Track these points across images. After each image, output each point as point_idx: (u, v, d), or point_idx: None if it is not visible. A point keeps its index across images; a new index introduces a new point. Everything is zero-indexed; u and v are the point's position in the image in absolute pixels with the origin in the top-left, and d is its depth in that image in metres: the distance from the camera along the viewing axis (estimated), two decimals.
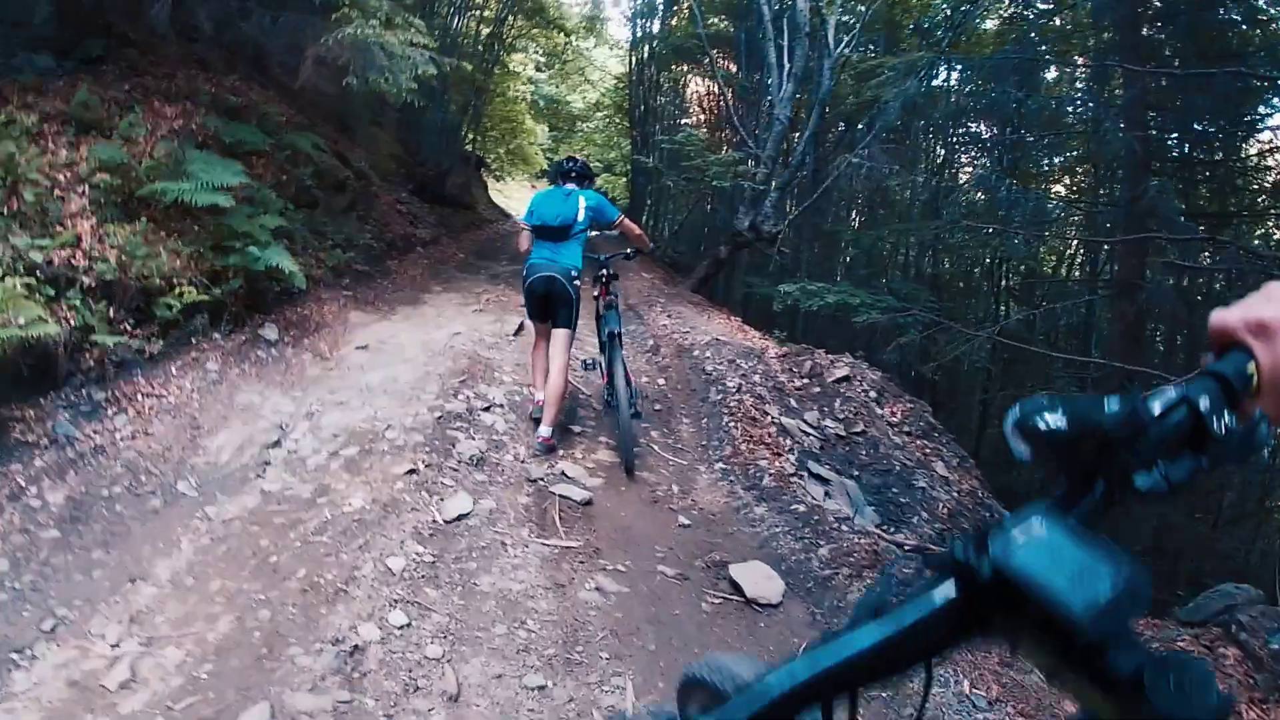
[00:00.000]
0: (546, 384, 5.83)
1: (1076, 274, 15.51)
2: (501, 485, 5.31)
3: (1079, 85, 14.96)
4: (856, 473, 7.01)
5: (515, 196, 32.31)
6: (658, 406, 7.58)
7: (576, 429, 6.58)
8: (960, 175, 18.75)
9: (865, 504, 6.65)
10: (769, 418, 7.27)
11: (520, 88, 26.98)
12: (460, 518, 4.68)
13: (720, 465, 6.48)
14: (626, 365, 6.08)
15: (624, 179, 29.46)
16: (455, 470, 5.31)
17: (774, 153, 12.77)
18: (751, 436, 6.87)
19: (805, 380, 8.39)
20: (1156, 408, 0.72)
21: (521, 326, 8.97)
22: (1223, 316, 0.77)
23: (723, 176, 12.92)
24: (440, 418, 6.05)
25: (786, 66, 13.36)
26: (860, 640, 0.69)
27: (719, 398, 7.58)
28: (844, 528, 5.65)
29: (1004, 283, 17.47)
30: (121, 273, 6.16)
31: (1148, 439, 0.71)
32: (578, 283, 5.80)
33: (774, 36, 13.37)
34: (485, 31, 21.77)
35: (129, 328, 6.21)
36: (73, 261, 5.97)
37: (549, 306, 5.86)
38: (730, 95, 15.99)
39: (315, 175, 10.09)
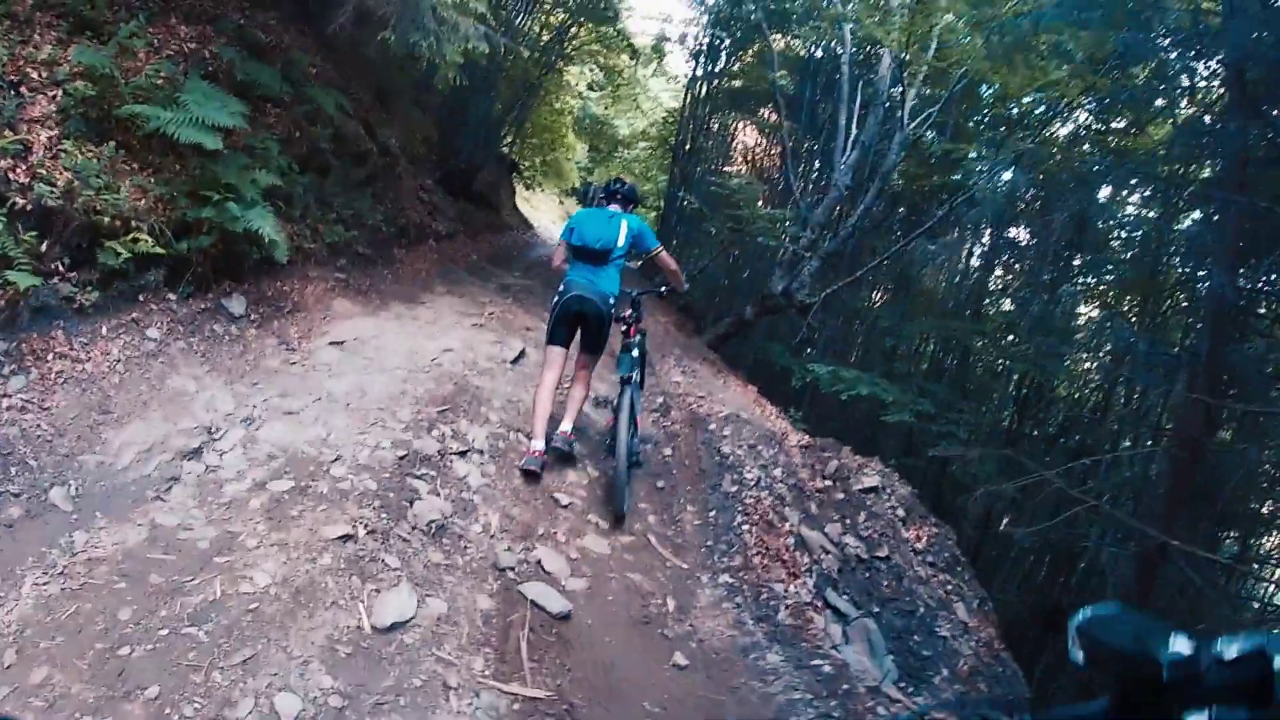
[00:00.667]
0: (569, 393, 5.66)
1: (1119, 410, 14.49)
2: (460, 574, 4.06)
3: (1136, 211, 14.00)
4: (877, 609, 5.82)
5: (542, 208, 31.25)
6: (660, 484, 6.39)
7: (564, 500, 5.37)
8: (995, 279, 17.77)
9: (885, 652, 5.48)
10: (788, 525, 6.09)
11: (569, 100, 25.96)
12: (396, 626, 3.41)
13: (726, 578, 5.29)
14: (637, 411, 5.70)
15: (654, 213, 28.45)
16: (405, 541, 4.08)
17: (824, 220, 11.72)
18: (767, 547, 5.69)
19: (828, 483, 7.21)
20: (1231, 652, 0.70)
21: (522, 355, 7.80)
22: None
23: (768, 233, 11.78)
24: (404, 457, 4.86)
25: (855, 133, 12.34)
26: None
27: (734, 489, 6.39)
28: (875, 704, 4.43)
29: (1022, 396, 16.39)
30: (67, 201, 5.03)
31: (1202, 686, 0.68)
32: (613, 310, 5.51)
33: (848, 99, 12.34)
34: (547, 37, 20.70)
35: (61, 269, 5.06)
36: (10, 175, 4.82)
37: (581, 331, 5.57)
38: (786, 151, 14.91)
39: (334, 139, 8.92)
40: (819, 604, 5.38)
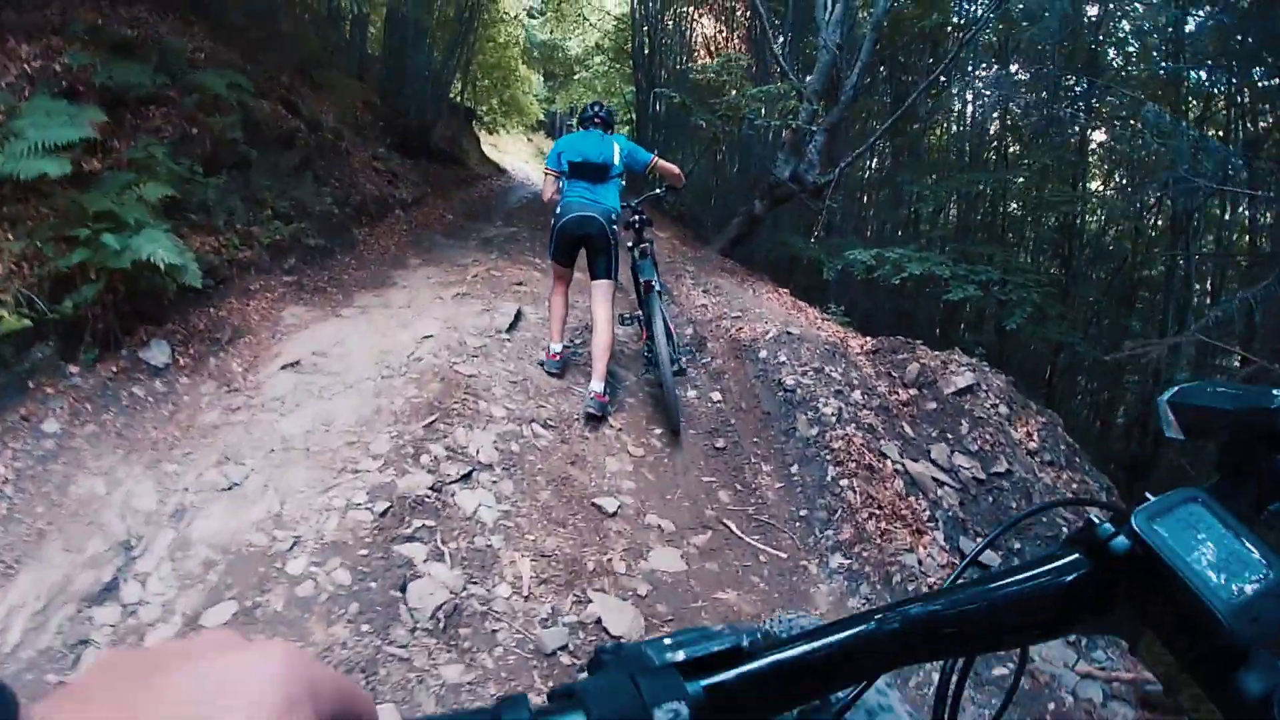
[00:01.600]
0: (593, 339, 5.18)
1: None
2: (493, 684, 2.75)
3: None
4: (1018, 544, 4.56)
5: (510, 150, 29.47)
6: (719, 443, 5.10)
7: (610, 506, 4.08)
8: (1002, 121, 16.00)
9: None
10: (889, 463, 4.80)
11: (512, 31, 23.95)
12: None
13: (840, 559, 4.01)
14: (668, 317, 5.22)
15: (626, 128, 26.65)
16: (404, 660, 2.75)
17: (819, 88, 10.12)
18: (875, 502, 4.40)
19: (914, 392, 5.90)
20: None
21: (519, 319, 6.48)
22: None
23: (767, 114, 10.10)
24: (387, 513, 3.55)
25: None
26: (963, 600, 0.54)
27: (813, 432, 5.06)
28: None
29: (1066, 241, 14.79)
30: None
31: None
32: (617, 228, 5.22)
33: None
34: None
35: None
36: None
37: (587, 251, 5.22)
38: (762, 18, 13.14)
39: (246, 127, 7.45)
40: (956, 562, 4.12)
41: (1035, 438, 5.75)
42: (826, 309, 9.41)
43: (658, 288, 5.30)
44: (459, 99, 22.21)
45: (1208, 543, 0.53)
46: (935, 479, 4.81)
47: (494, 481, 4.06)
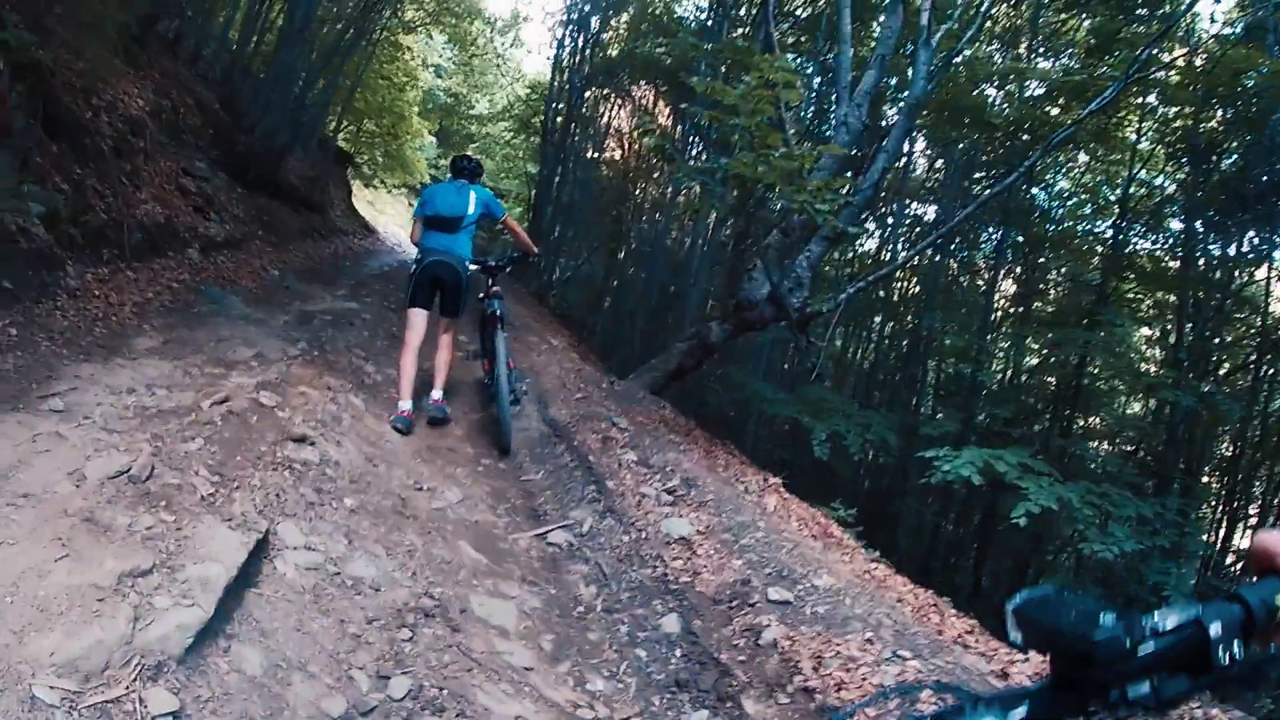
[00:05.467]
0: (436, 355, 5.57)
1: None
2: None
3: None
4: None
5: (389, 211, 25.35)
6: None
7: None
8: None
9: None
10: None
11: (413, 75, 20.13)
12: None
13: None
14: (509, 350, 5.65)
15: (520, 209, 23.01)
16: None
17: (830, 174, 6.69)
18: None
19: None
20: (1168, 623, 0.68)
21: (265, 543, 2.66)
22: (1267, 539, 0.71)
23: (792, 191, 6.16)
24: None
25: (850, 49, 7.42)
26: None
27: None
28: None
29: None
30: None
31: (1140, 659, 0.67)
32: (468, 275, 5.61)
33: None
34: None
35: None
36: None
37: (440, 295, 5.57)
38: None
39: None
40: None
41: None
42: (834, 511, 5.87)
43: (503, 319, 5.67)
44: (334, 136, 18.12)
45: None
46: None
47: None
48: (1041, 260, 13.27)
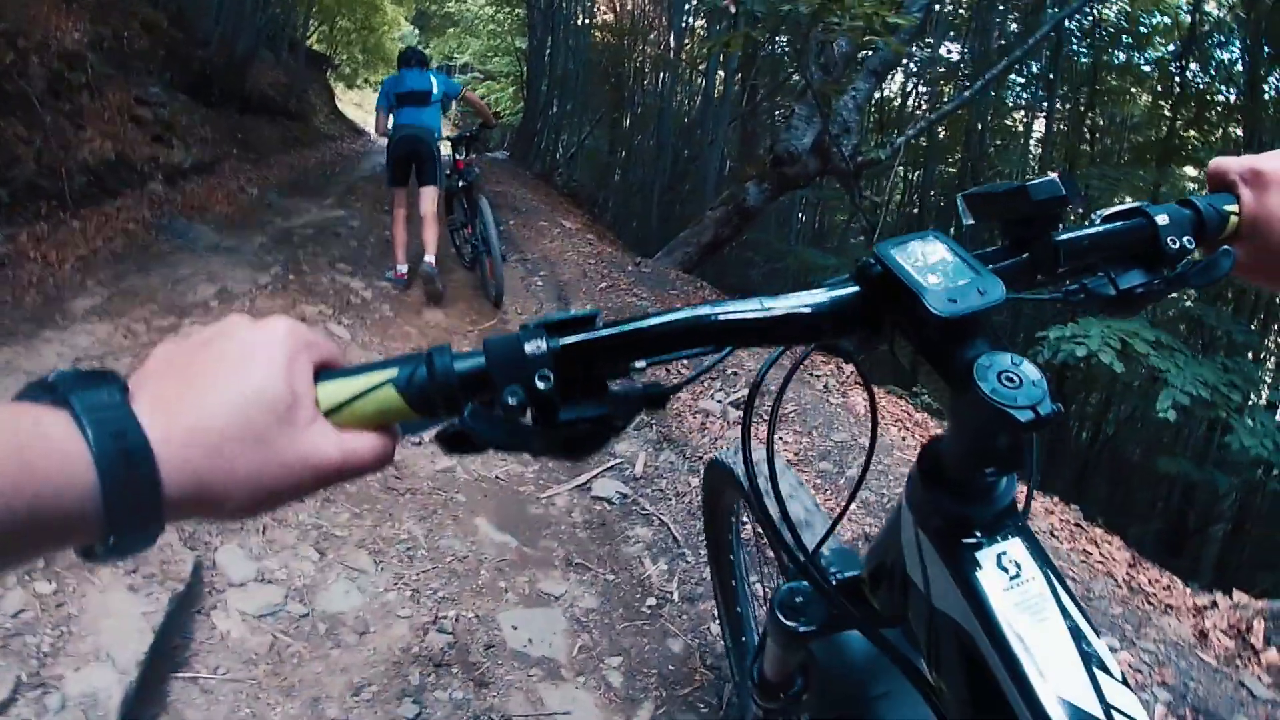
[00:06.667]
0: (423, 227, 5.67)
1: None
2: None
3: None
4: None
5: (371, 106, 24.01)
6: None
7: None
8: None
9: None
10: None
11: None
12: None
13: None
14: (494, 213, 5.73)
15: (513, 89, 21.65)
16: None
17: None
18: None
19: None
20: (1114, 210, 0.71)
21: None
22: (1223, 161, 0.76)
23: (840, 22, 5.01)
24: None
25: None
26: (767, 308, 0.62)
27: None
28: None
29: None
30: None
31: (1090, 238, 0.69)
32: (439, 145, 5.87)
33: None
34: None
35: None
36: None
37: (415, 168, 5.83)
38: None
39: None
40: None
41: None
42: (915, 397, 5.07)
43: (479, 185, 5.90)
44: (306, 39, 16.85)
45: (930, 259, 0.61)
46: None
47: None
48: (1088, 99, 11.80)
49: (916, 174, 14.39)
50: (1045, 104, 12.37)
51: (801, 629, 0.94)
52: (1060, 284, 0.71)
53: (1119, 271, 0.68)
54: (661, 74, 16.30)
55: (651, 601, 2.71)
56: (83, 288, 4.53)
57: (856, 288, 0.64)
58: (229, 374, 0.48)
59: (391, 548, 2.71)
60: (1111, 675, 0.59)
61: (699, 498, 2.71)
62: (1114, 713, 0.57)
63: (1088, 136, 12.52)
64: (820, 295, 0.64)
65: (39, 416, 0.41)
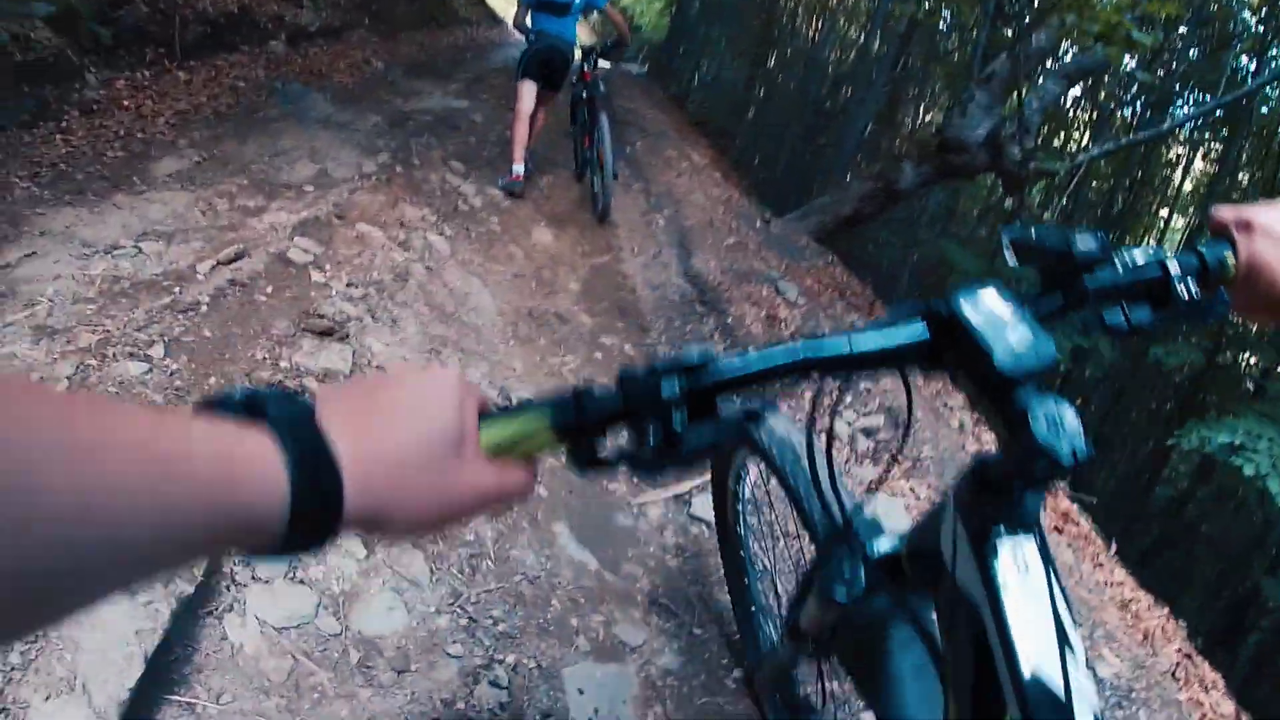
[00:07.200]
0: (533, 133, 5.72)
1: None
2: None
3: None
4: None
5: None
6: None
7: None
8: None
9: None
10: None
11: None
12: None
13: None
14: (613, 131, 5.43)
15: (662, 3, 20.69)
16: None
17: None
18: None
19: None
20: (1137, 258, 0.78)
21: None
22: (1222, 210, 0.82)
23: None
24: None
25: None
26: (840, 345, 0.71)
27: None
28: None
29: None
30: None
31: (1113, 280, 0.76)
32: (575, 56, 5.78)
33: None
34: None
35: None
36: None
37: (547, 74, 5.67)
38: None
39: None
40: None
41: None
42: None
43: (605, 99, 5.61)
44: None
45: (997, 314, 0.69)
46: None
47: None
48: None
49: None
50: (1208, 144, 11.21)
51: (842, 598, 1.00)
52: (1079, 310, 0.77)
53: (1131, 307, 0.77)
54: (817, 19, 15.22)
55: (738, 674, 2.12)
56: (172, 147, 4.06)
57: (923, 323, 0.72)
58: (411, 409, 0.54)
59: (453, 552, 2.16)
60: (1078, 663, 0.69)
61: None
62: (1073, 699, 0.66)
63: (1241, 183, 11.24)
64: (894, 334, 0.72)
65: (239, 429, 0.44)
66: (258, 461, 0.43)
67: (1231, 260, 0.78)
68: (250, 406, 0.46)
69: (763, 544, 1.88)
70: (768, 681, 1.63)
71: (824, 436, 0.96)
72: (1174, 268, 0.76)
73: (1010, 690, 0.68)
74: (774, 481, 1.52)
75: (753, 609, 1.94)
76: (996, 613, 0.70)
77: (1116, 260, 0.77)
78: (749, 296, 4.28)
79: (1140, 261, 0.77)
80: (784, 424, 1.48)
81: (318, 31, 7.83)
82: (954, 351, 0.70)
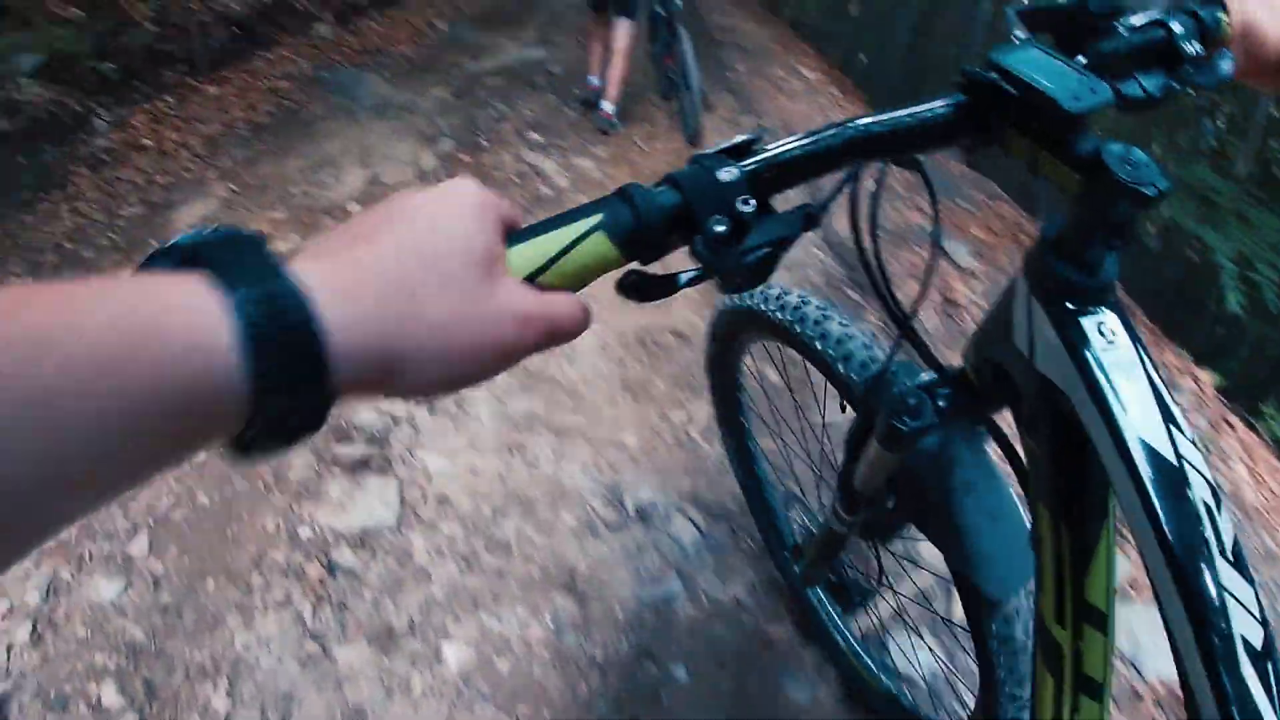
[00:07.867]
0: (610, 65, 5.08)
1: None
2: None
3: None
4: None
5: None
6: None
7: None
8: None
9: None
10: None
11: None
12: None
13: None
14: (695, 49, 5.09)
15: None
16: None
17: None
18: None
19: None
20: (1138, 20, 0.73)
21: None
22: None
23: None
24: None
25: None
26: (880, 124, 0.65)
27: None
28: None
29: None
30: None
31: (1125, 45, 0.70)
32: None
33: None
34: None
35: None
36: None
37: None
38: None
39: None
40: None
41: None
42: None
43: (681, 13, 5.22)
44: None
45: (1048, 65, 0.64)
46: None
47: None
48: None
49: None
50: None
51: (910, 428, 0.92)
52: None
53: (1144, 75, 0.71)
54: None
55: None
56: (198, 186, 3.42)
57: (963, 96, 0.67)
58: (412, 223, 0.42)
59: None
60: (1184, 433, 0.66)
61: None
62: (1184, 461, 0.64)
63: None
64: (938, 105, 0.66)
65: (170, 280, 0.33)
66: (195, 315, 0.31)
67: (1226, 20, 0.75)
68: (193, 256, 0.34)
69: (774, 432, 1.80)
70: (812, 570, 1.43)
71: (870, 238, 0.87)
72: (1177, 26, 0.72)
73: (1116, 462, 0.65)
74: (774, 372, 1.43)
75: (772, 505, 1.85)
76: (1092, 388, 0.67)
77: (1119, 27, 0.72)
78: (910, 269, 3.30)
79: (1142, 23, 0.73)
80: (794, 295, 1.36)
81: (371, 2, 7.07)
82: (1007, 110, 0.65)
